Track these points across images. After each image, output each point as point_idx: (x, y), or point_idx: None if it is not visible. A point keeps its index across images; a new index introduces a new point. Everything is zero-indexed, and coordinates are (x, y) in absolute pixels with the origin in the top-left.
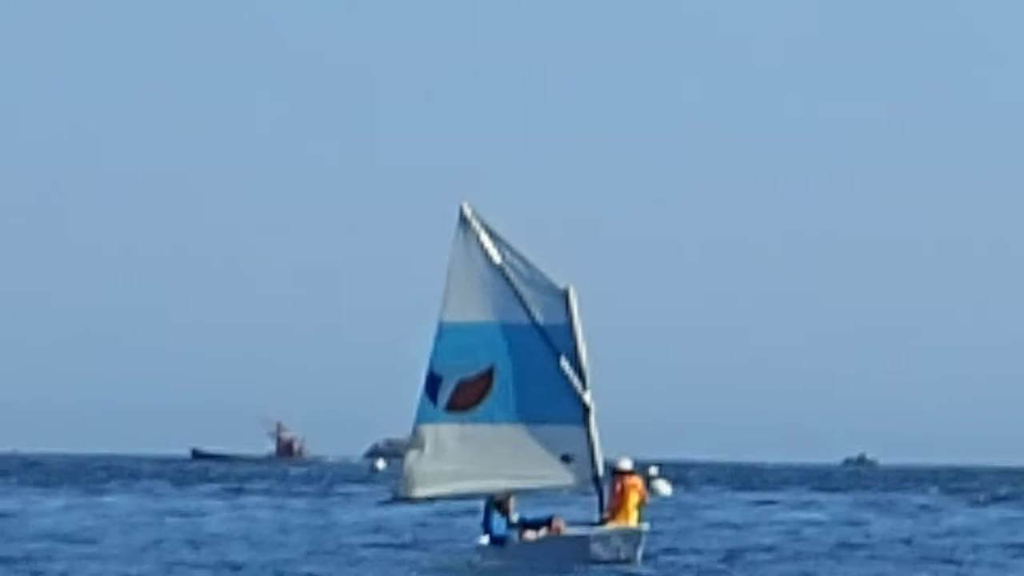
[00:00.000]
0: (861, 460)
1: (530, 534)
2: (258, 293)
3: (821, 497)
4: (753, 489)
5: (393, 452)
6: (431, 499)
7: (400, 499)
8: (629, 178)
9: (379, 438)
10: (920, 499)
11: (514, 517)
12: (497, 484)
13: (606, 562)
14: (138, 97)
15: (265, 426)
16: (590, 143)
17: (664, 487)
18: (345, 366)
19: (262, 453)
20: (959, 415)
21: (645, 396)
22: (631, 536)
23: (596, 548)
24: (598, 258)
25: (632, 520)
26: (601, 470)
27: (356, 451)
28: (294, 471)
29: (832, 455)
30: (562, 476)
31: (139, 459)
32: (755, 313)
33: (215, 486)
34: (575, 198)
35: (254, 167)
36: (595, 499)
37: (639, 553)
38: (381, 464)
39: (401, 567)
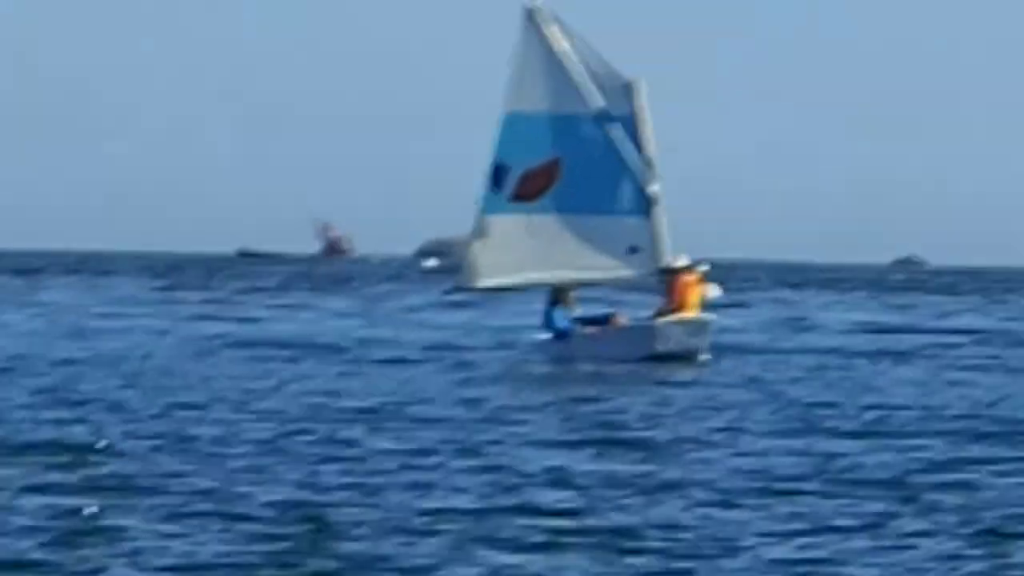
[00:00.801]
0: (909, 260)
1: (591, 329)
2: (310, 86)
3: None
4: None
5: (442, 251)
6: (496, 289)
7: (464, 288)
8: None
9: (428, 236)
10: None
11: (575, 312)
12: (563, 274)
13: (672, 354)
14: None
15: (313, 224)
16: None
17: (713, 290)
18: (394, 163)
19: (309, 252)
20: (1004, 220)
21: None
22: (698, 326)
23: (662, 339)
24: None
25: (692, 313)
26: (668, 261)
27: (404, 249)
28: (337, 271)
29: (882, 255)
30: (628, 267)
31: (191, 257)
32: (812, 124)
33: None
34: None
35: None
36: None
37: (705, 344)
38: (431, 262)
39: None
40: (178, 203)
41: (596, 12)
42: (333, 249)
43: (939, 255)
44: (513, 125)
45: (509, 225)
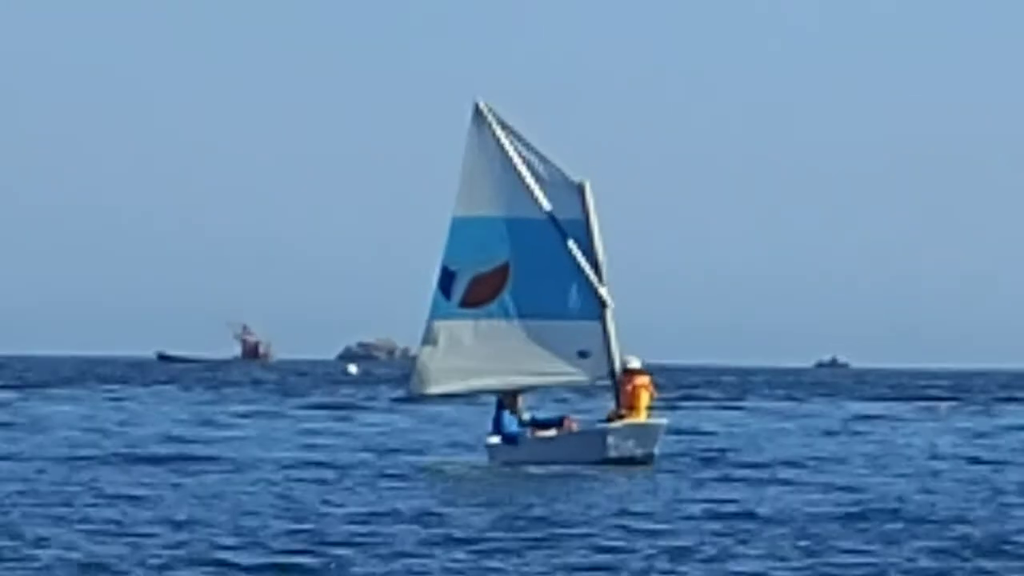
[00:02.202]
0: (833, 363)
1: (542, 432)
2: (229, 197)
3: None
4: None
5: (366, 355)
6: (446, 396)
7: (414, 397)
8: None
9: (351, 341)
10: None
11: (525, 416)
12: (513, 380)
13: (623, 459)
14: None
15: (232, 329)
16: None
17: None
18: (315, 269)
19: (228, 356)
20: (924, 319)
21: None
22: (649, 431)
23: (613, 443)
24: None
25: (643, 417)
26: (618, 366)
27: (326, 354)
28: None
29: (805, 359)
30: (578, 372)
31: (108, 361)
32: (733, 220)
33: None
34: (594, 99)
35: (224, 73)
36: (604, 404)
37: (657, 448)
38: (353, 368)
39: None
40: (96, 306)
41: (544, 113)
42: (252, 353)
43: (862, 357)
44: (462, 230)
45: (458, 330)
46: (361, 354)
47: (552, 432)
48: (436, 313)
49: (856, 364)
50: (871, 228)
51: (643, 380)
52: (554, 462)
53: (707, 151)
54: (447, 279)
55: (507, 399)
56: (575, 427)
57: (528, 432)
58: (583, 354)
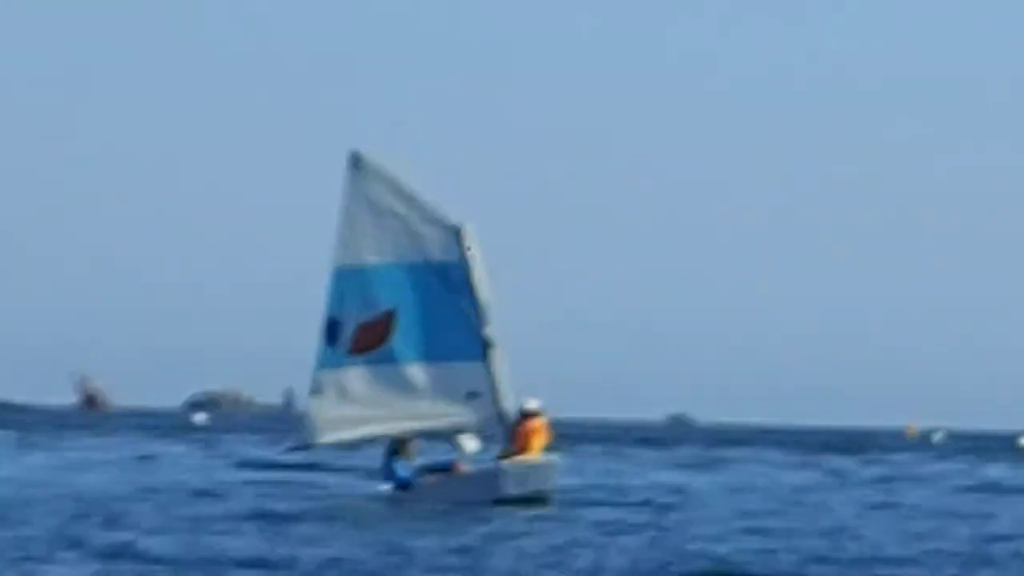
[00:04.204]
0: (680, 418)
1: (433, 478)
2: (77, 237)
3: None
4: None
5: (212, 403)
6: (338, 445)
7: (305, 447)
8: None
9: (196, 390)
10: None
11: (416, 463)
12: (404, 426)
13: (520, 497)
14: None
15: (71, 377)
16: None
17: (469, 442)
18: (159, 315)
19: (64, 404)
20: (772, 376)
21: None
22: (545, 468)
23: (508, 482)
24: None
25: (537, 455)
26: (513, 407)
27: (168, 402)
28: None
29: (653, 411)
30: (467, 414)
31: None
32: (586, 266)
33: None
34: (473, 137)
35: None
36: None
37: (553, 486)
38: (200, 417)
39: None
40: None
41: (421, 156)
42: (90, 402)
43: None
44: (344, 279)
45: (347, 378)
46: (206, 402)
47: (444, 476)
48: (322, 363)
49: (703, 420)
50: (737, 280)
51: (538, 423)
52: (449, 506)
53: (592, 197)
54: (332, 328)
55: (399, 446)
56: (465, 471)
57: (421, 477)
58: (472, 395)
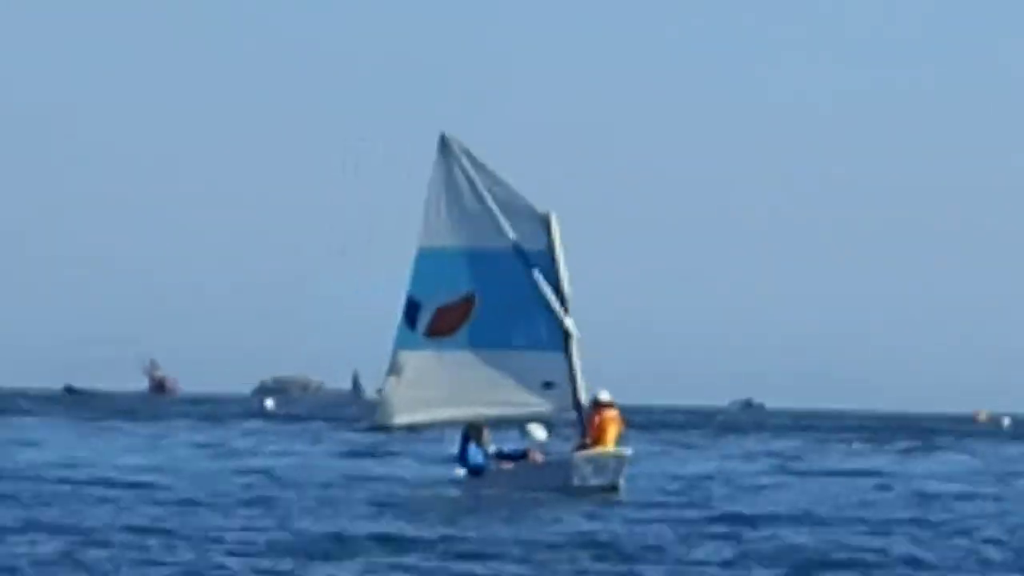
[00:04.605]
0: (748, 404)
1: (507, 465)
2: (145, 227)
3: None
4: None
5: (281, 389)
6: (410, 427)
7: (378, 427)
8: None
9: (266, 376)
10: None
11: (490, 449)
12: (477, 411)
13: (589, 488)
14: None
15: (141, 363)
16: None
17: (538, 431)
18: (229, 303)
19: (135, 390)
20: (840, 362)
21: None
22: (614, 461)
23: (578, 473)
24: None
25: (611, 447)
26: (586, 399)
27: (237, 389)
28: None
29: (720, 397)
30: (543, 403)
31: (17, 394)
32: (651, 265)
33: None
34: (560, 127)
35: (142, 98)
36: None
37: (622, 479)
38: (270, 403)
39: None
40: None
41: (508, 144)
42: (159, 388)
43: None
44: (427, 260)
45: (423, 361)
46: (276, 389)
47: (518, 463)
48: (401, 343)
49: (770, 405)
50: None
51: (611, 413)
52: (520, 494)
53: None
54: (412, 310)
55: (473, 431)
56: (539, 459)
57: (494, 463)
58: (548, 385)
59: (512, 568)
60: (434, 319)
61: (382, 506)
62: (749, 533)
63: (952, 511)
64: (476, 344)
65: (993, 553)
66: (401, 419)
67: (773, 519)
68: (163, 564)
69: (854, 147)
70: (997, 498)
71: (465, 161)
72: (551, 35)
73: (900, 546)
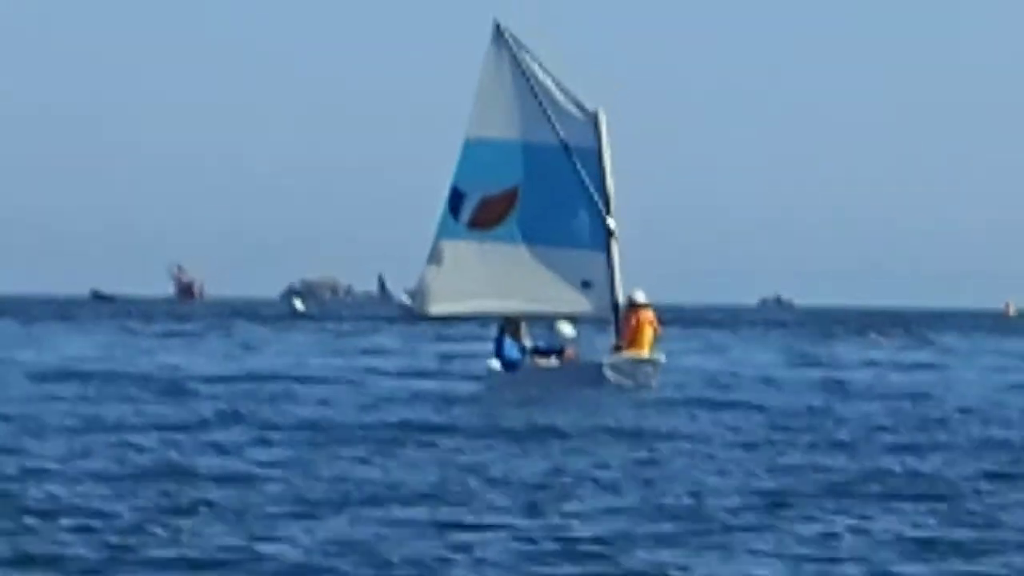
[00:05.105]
0: (778, 301)
1: (542, 360)
2: (166, 128)
3: None
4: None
5: (310, 292)
6: (446, 317)
7: (415, 315)
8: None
9: (294, 279)
10: None
11: (526, 343)
12: (515, 305)
13: (621, 389)
14: None
15: (168, 269)
16: None
17: (566, 327)
18: (252, 202)
19: (162, 295)
20: (867, 258)
21: None
22: (647, 364)
23: (611, 374)
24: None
25: (646, 352)
26: (621, 299)
27: (265, 292)
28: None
29: (749, 296)
30: (581, 302)
31: (46, 300)
32: (683, 157)
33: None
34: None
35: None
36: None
37: (655, 382)
38: (300, 304)
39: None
40: (29, 244)
41: (559, 39)
42: (186, 293)
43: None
44: (473, 151)
45: (464, 251)
46: (304, 292)
47: (552, 361)
48: (443, 233)
49: (799, 302)
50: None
51: (648, 315)
52: (554, 390)
53: (719, 91)
54: (456, 199)
55: (510, 325)
56: (575, 357)
57: (528, 359)
58: (587, 284)
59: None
60: (477, 210)
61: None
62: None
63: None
64: (517, 238)
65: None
66: (439, 308)
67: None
68: None
69: (884, 46)
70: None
71: (518, 51)
72: None
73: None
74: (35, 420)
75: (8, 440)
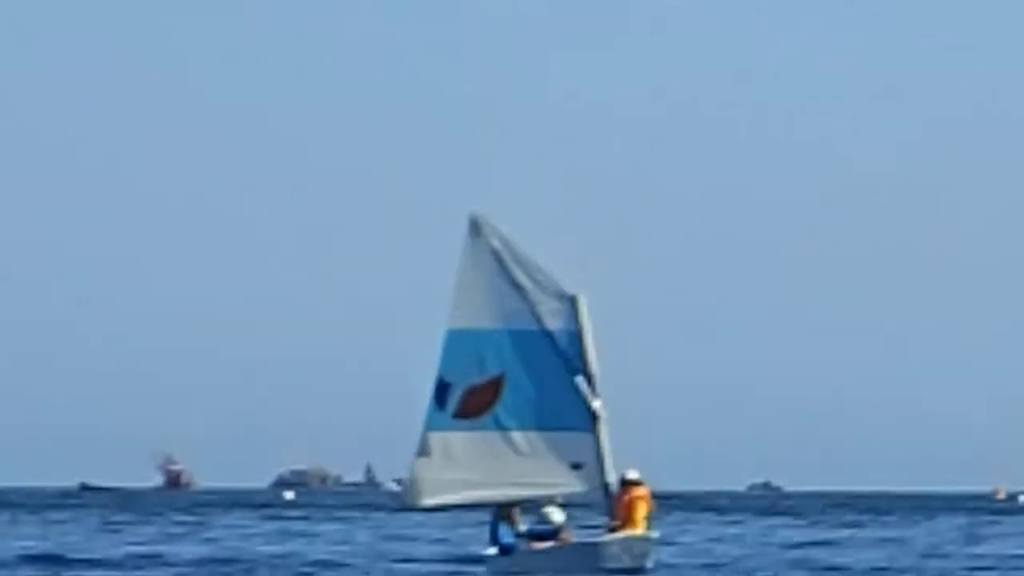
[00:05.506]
0: (766, 486)
1: (538, 544)
2: (150, 320)
3: None
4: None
5: (299, 481)
6: (439, 508)
7: (408, 507)
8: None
9: (283, 468)
10: None
11: (521, 528)
12: (506, 492)
13: (617, 571)
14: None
15: (155, 459)
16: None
17: (555, 514)
18: (242, 395)
19: (149, 486)
20: (859, 442)
21: None
22: (642, 543)
23: (607, 556)
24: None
25: (641, 529)
26: (615, 478)
27: (254, 482)
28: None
29: (737, 482)
30: (572, 484)
31: (34, 492)
32: (660, 335)
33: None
34: (589, 208)
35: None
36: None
37: (650, 562)
38: (290, 494)
39: None
40: (16, 440)
41: (536, 224)
42: (174, 483)
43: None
44: (456, 342)
45: (452, 442)
46: (294, 481)
47: (548, 544)
48: (431, 424)
49: (788, 488)
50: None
51: (641, 492)
52: (549, 573)
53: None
54: (442, 390)
55: (504, 510)
56: (571, 539)
57: (523, 544)
58: (576, 466)
59: None
60: (464, 400)
61: None
62: None
63: None
64: (505, 425)
65: None
66: (431, 500)
67: None
68: None
69: (887, 211)
70: None
71: (496, 241)
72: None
73: None
74: None
75: None
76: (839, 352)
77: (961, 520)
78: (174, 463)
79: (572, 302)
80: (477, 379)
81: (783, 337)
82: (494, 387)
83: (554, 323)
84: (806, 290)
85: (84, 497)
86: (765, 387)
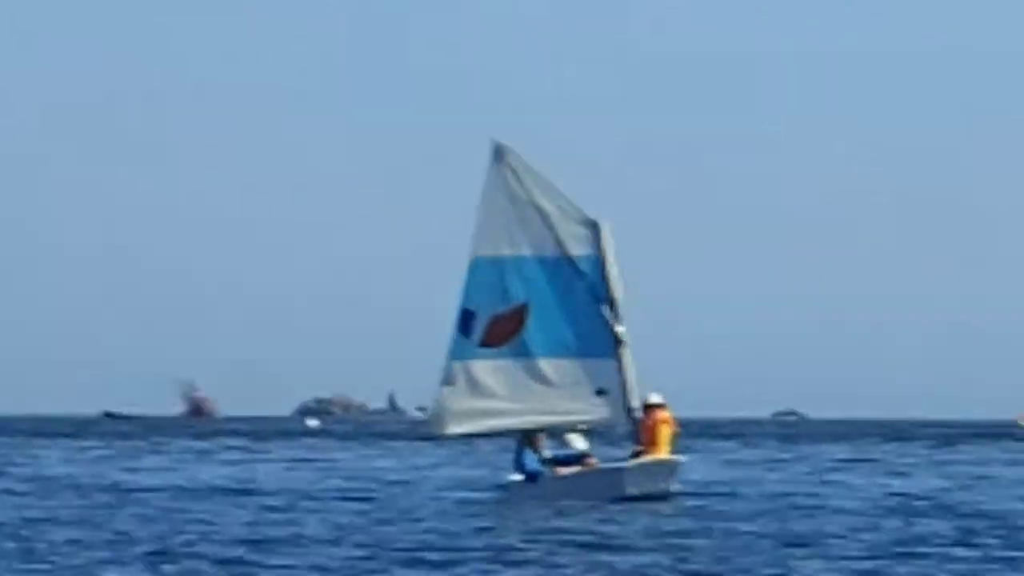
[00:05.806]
0: (791, 414)
1: (563, 470)
2: (181, 250)
3: None
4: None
5: (323, 409)
6: (464, 436)
7: (433, 436)
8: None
9: (307, 397)
10: None
11: (546, 454)
12: (531, 420)
13: (642, 495)
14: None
15: (179, 387)
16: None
17: (578, 441)
18: (263, 326)
19: (173, 413)
20: (881, 372)
21: None
22: (666, 467)
23: (631, 480)
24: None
25: (665, 453)
26: (638, 402)
27: (278, 410)
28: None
29: (762, 409)
30: (596, 410)
31: (57, 419)
32: (691, 277)
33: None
34: (611, 139)
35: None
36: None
37: (674, 484)
38: (313, 422)
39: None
40: (42, 364)
41: (561, 152)
42: (197, 411)
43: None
44: (480, 270)
45: (477, 370)
46: (317, 409)
47: (572, 470)
48: (455, 354)
49: (812, 415)
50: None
51: (664, 415)
52: (573, 499)
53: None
54: (466, 319)
55: (528, 437)
56: (596, 464)
57: (548, 470)
58: (601, 392)
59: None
60: (488, 328)
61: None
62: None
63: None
64: (530, 353)
65: None
66: (456, 428)
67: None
68: None
69: (923, 152)
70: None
71: (519, 169)
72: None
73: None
74: None
75: None
76: (866, 285)
77: (990, 448)
78: (198, 390)
79: (595, 228)
80: (501, 307)
81: (809, 272)
82: (518, 315)
83: (578, 249)
84: (828, 226)
85: (106, 424)
86: (796, 323)
